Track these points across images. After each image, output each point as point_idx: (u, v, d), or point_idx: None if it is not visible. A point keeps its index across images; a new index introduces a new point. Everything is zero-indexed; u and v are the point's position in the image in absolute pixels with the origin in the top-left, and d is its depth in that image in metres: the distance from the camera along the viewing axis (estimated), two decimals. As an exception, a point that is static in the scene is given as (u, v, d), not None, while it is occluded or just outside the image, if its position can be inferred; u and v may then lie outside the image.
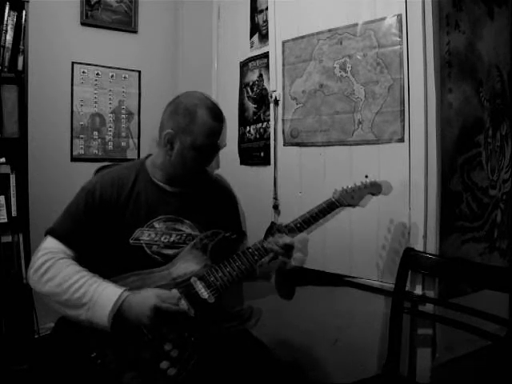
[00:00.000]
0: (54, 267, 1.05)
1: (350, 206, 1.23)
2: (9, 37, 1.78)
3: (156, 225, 1.17)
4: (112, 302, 0.99)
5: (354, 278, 1.56)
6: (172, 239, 1.17)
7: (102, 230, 1.13)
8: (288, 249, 1.11)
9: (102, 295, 1.01)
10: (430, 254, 1.35)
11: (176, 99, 1.21)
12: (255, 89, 2.01)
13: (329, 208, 1.19)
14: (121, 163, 1.32)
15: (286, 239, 1.11)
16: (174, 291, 1.07)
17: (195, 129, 1.13)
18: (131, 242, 1.13)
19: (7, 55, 1.78)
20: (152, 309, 0.99)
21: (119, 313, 1.00)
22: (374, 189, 1.27)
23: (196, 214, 1.23)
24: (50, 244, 1.10)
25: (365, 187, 1.26)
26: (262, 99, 1.95)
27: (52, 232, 1.12)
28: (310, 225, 1.16)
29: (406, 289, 1.37)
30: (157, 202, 1.19)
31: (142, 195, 1.19)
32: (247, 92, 2.07)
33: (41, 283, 1.05)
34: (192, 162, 1.16)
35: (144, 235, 1.15)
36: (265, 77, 1.94)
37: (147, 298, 1.01)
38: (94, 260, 1.12)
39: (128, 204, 1.16)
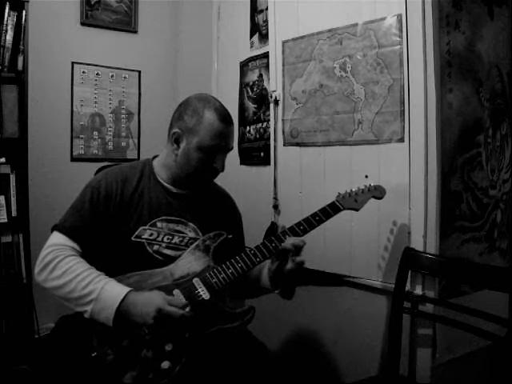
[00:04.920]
0: (62, 264, 1.05)
1: (353, 209, 1.23)
2: (9, 37, 1.79)
3: (159, 224, 1.17)
4: (118, 300, 1.00)
5: (354, 277, 1.56)
6: (174, 241, 1.17)
7: (106, 225, 1.13)
8: (298, 249, 1.11)
9: (109, 293, 1.02)
10: (430, 254, 1.35)
11: (186, 100, 1.22)
12: (255, 89, 2.01)
13: (332, 212, 1.19)
14: (122, 163, 1.32)
15: (296, 240, 1.11)
16: (177, 292, 1.08)
17: (201, 129, 1.13)
18: (133, 239, 1.14)
19: (7, 55, 1.79)
20: (157, 310, 0.99)
21: (123, 310, 1.00)
22: (378, 192, 1.27)
23: (200, 217, 1.23)
24: (58, 240, 1.11)
25: (368, 190, 1.26)
26: (262, 99, 1.95)
27: (59, 227, 1.13)
28: (313, 228, 1.16)
29: (406, 289, 1.37)
30: (161, 202, 1.20)
31: (146, 193, 1.19)
32: (247, 92, 2.07)
33: (48, 280, 1.06)
34: (196, 163, 1.16)
35: (146, 233, 1.15)
36: (265, 77, 1.94)
37: (153, 298, 1.02)
38: (97, 257, 1.13)
39: (132, 201, 1.17)
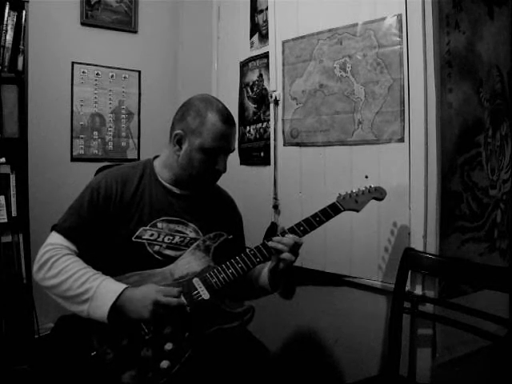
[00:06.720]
0: (58, 263, 1.06)
1: (353, 210, 1.23)
2: (9, 37, 1.78)
3: (159, 225, 1.17)
4: (114, 297, 1.00)
5: (353, 278, 1.55)
6: (175, 241, 1.17)
7: (105, 226, 1.13)
8: (295, 247, 1.11)
9: (105, 290, 1.02)
10: (430, 254, 1.35)
11: (188, 101, 1.22)
12: (255, 89, 2.01)
13: (333, 212, 1.19)
14: (122, 163, 1.32)
15: (295, 239, 1.11)
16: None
17: (204, 131, 1.14)
18: (133, 239, 1.14)
19: (7, 55, 1.79)
20: (153, 303, 0.99)
21: (119, 306, 1.00)
22: (378, 194, 1.27)
23: (201, 218, 1.23)
24: (55, 240, 1.11)
25: (369, 192, 1.26)
26: (262, 99, 1.95)
27: (57, 227, 1.13)
28: (314, 229, 1.16)
29: (406, 289, 1.37)
30: (161, 202, 1.20)
31: (147, 194, 1.19)
32: (247, 92, 2.07)
33: (45, 279, 1.06)
34: (199, 164, 1.16)
35: (146, 234, 1.15)
36: (265, 77, 1.94)
37: (148, 292, 1.02)
38: (97, 257, 1.13)
39: (132, 201, 1.17)
